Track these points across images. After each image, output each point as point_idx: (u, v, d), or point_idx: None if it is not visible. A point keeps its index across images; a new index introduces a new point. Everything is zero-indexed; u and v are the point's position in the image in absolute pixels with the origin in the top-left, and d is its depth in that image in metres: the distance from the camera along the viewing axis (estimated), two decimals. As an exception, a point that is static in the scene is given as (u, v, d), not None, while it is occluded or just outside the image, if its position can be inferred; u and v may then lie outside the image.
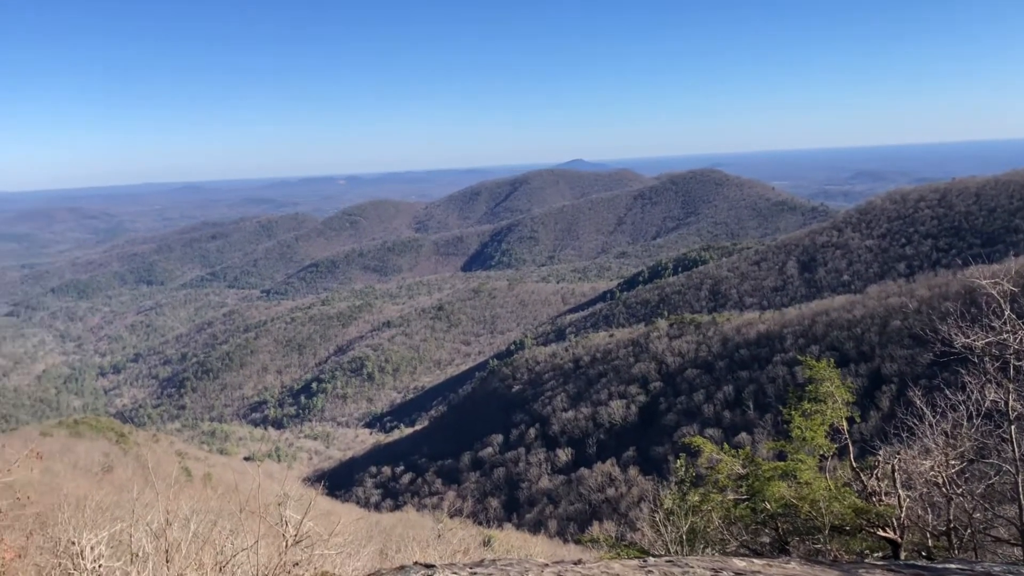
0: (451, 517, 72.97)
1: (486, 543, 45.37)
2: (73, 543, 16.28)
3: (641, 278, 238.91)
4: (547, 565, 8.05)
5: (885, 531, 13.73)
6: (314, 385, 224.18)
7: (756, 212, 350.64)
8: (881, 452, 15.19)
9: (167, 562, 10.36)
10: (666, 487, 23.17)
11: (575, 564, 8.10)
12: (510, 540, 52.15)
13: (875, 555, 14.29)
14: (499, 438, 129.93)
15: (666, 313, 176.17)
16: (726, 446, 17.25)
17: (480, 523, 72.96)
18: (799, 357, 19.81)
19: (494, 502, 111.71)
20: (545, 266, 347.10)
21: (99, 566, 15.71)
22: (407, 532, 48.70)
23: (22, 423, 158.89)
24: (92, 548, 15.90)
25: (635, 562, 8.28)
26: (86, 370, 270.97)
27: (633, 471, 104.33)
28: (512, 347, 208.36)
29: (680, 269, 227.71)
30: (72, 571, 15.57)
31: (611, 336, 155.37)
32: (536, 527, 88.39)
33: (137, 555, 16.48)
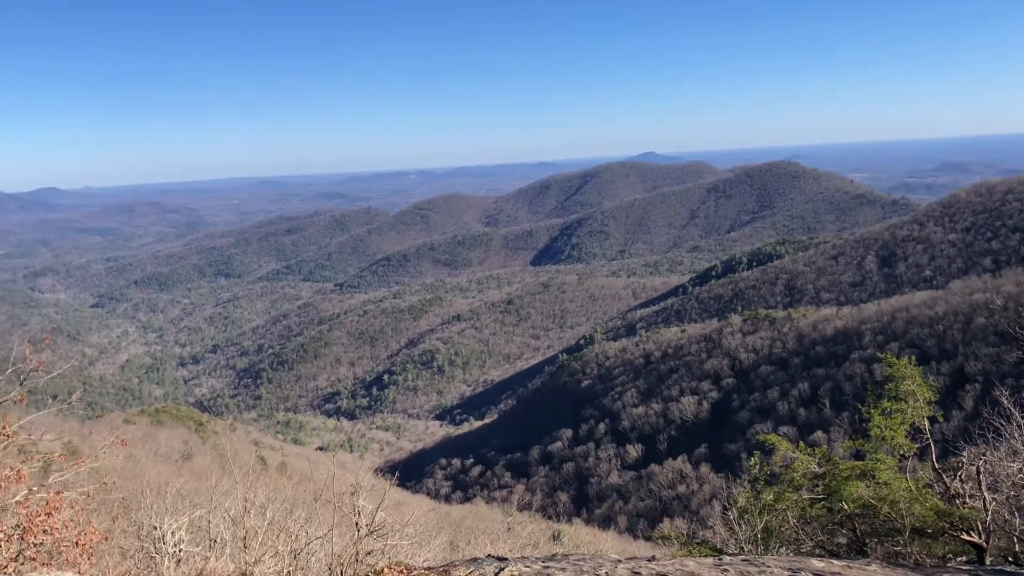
0: (520, 511, 72.99)
1: (555, 537, 45.28)
2: (155, 528, 16.78)
3: (714, 272, 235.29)
4: (620, 561, 7.89)
5: (969, 535, 13.20)
6: (385, 377, 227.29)
7: (834, 205, 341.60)
8: (965, 453, 14.64)
9: (244, 549, 10.52)
10: (739, 485, 22.74)
11: (648, 561, 7.92)
12: (579, 535, 51.95)
13: (958, 559, 13.76)
14: (568, 433, 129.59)
15: (739, 308, 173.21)
16: (802, 444, 16.87)
17: (549, 517, 73.03)
18: (878, 355, 19.22)
19: (563, 496, 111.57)
20: (615, 260, 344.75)
21: (179, 551, 16.15)
22: (476, 524, 48.98)
23: (107, 410, 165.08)
24: (173, 533, 16.36)
25: (710, 560, 8.06)
26: (167, 360, 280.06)
27: (705, 468, 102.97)
28: (581, 342, 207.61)
29: (754, 264, 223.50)
30: (154, 555, 16.04)
31: (683, 331, 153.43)
32: (605, 523, 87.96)
33: (215, 541, 16.91)
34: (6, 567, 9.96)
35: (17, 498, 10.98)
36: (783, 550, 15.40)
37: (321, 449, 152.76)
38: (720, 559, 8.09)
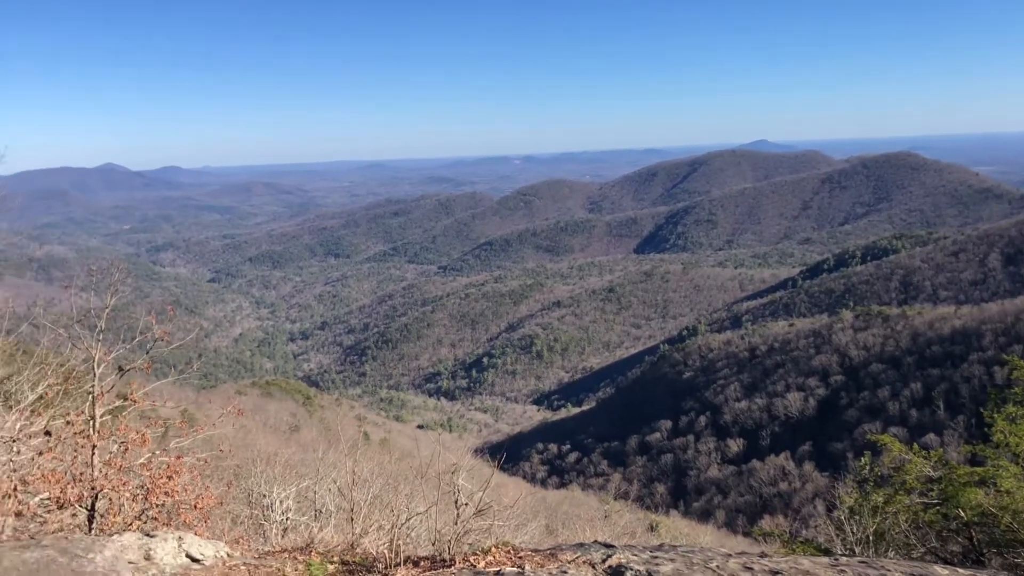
0: (616, 499, 72.74)
1: (652, 528, 44.90)
2: (264, 496, 17.44)
3: (826, 266, 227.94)
4: (731, 556, 7.71)
5: (1100, 551, 12.37)
6: (485, 360, 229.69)
7: (956, 199, 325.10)
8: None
9: (350, 521, 10.78)
10: (844, 485, 22.05)
11: (760, 557, 7.71)
12: (677, 527, 51.38)
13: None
14: (667, 424, 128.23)
15: (851, 304, 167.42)
16: (915, 446, 16.22)
17: (646, 507, 72.45)
18: (1004, 356, 18.12)
19: (660, 488, 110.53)
20: (722, 250, 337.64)
21: (287, 519, 16.75)
22: (572, 510, 49.04)
23: (220, 381, 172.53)
24: (281, 502, 16.97)
25: (825, 560, 7.79)
26: (278, 335, 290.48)
27: (808, 466, 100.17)
28: (684, 332, 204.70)
29: (869, 258, 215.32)
30: (263, 522, 16.68)
31: (791, 325, 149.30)
32: (703, 516, 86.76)
33: (321, 512, 17.44)
34: (130, 525, 10.50)
35: (141, 460, 11.56)
36: (892, 554, 14.83)
37: (421, 427, 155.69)
38: (836, 559, 7.80)
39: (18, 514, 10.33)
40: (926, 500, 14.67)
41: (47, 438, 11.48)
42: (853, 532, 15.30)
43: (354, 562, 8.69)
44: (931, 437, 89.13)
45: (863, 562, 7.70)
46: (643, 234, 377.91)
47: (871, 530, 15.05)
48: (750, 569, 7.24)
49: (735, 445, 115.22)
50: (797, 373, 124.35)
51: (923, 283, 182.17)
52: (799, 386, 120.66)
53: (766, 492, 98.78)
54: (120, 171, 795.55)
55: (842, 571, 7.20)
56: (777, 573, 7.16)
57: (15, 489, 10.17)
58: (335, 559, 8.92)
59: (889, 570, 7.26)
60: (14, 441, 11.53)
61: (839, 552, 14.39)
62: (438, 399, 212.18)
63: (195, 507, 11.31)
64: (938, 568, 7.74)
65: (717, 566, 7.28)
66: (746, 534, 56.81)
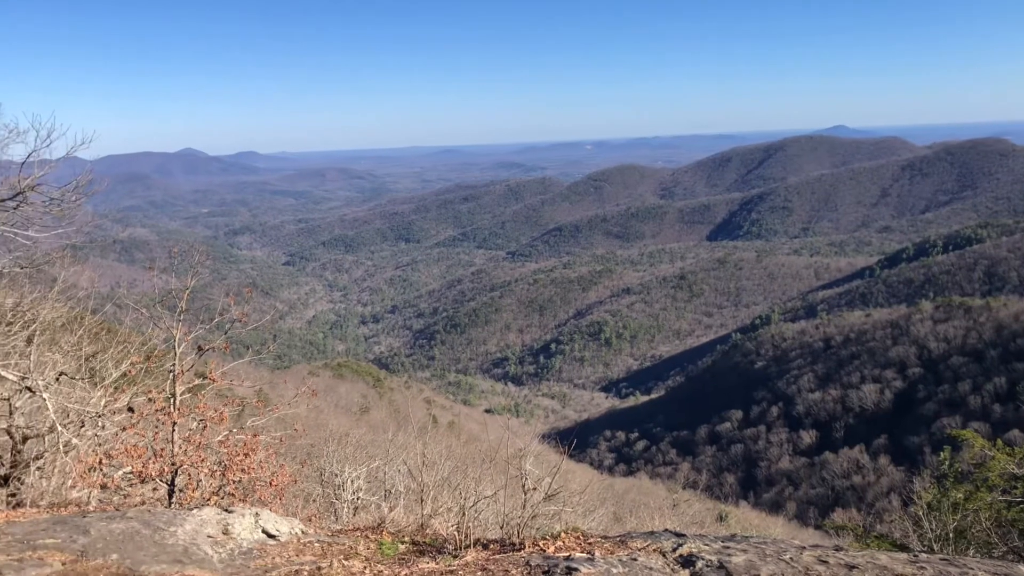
0: (684, 488, 72.12)
1: (721, 518, 44.41)
2: (336, 475, 17.76)
3: (905, 255, 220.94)
4: (805, 548, 7.53)
5: None
6: (553, 346, 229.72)
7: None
8: None
9: (420, 503, 10.90)
10: (921, 480, 21.41)
11: (835, 551, 7.51)
12: (747, 517, 50.72)
13: None
14: (738, 414, 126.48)
15: (931, 294, 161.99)
16: (999, 442, 15.66)
17: (716, 497, 71.72)
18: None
19: (730, 478, 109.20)
20: (798, 238, 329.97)
21: (358, 498, 17.03)
22: (640, 498, 48.80)
23: (294, 362, 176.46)
24: (352, 481, 17.26)
25: (903, 556, 7.55)
26: (349, 318, 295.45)
27: (883, 460, 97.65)
28: (757, 321, 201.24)
29: (951, 247, 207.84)
30: (335, 500, 16.99)
31: (867, 316, 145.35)
32: (773, 508, 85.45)
33: (390, 492, 17.68)
34: (208, 500, 10.80)
35: (219, 438, 11.87)
36: (972, 552, 14.36)
37: (488, 412, 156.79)
38: (915, 556, 7.55)
39: (103, 486, 10.72)
40: (1010, 498, 14.16)
41: (130, 414, 11.89)
42: (932, 529, 14.89)
43: (424, 542, 8.78)
44: (1015, 433, 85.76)
45: (944, 559, 7.43)
46: (716, 221, 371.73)
47: (951, 527, 14.62)
48: (825, 562, 7.07)
49: (807, 437, 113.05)
50: (873, 365, 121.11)
51: (1009, 273, 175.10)
52: (875, 378, 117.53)
53: (839, 485, 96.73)
54: (199, 156, 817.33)
55: (921, 568, 6.96)
56: (853, 568, 6.97)
57: (100, 462, 10.56)
58: (405, 539, 9.03)
59: (972, 568, 6.99)
60: (99, 416, 11.96)
61: (917, 549, 14.00)
62: (505, 384, 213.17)
63: (270, 484, 11.58)
64: (1025, 569, 7.42)
65: (791, 558, 7.13)
66: (817, 527, 55.73)
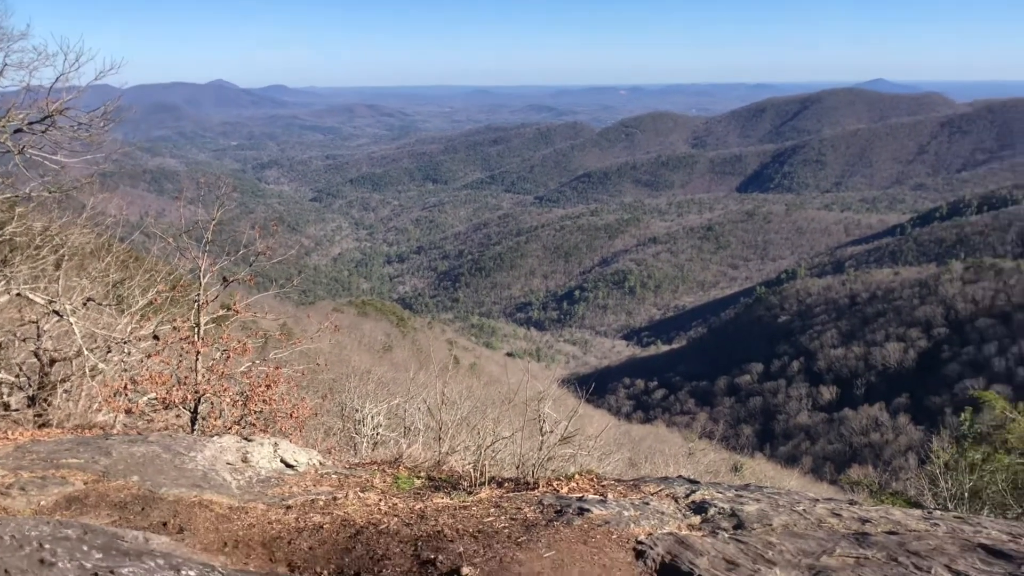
0: (701, 438, 72.55)
1: (736, 469, 44.68)
2: (357, 410, 17.99)
3: (938, 214, 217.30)
4: (818, 500, 7.55)
5: None
6: (576, 293, 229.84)
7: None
8: None
9: (438, 440, 11.02)
10: (940, 440, 21.45)
11: (849, 504, 7.53)
12: (762, 469, 50.98)
13: None
14: (759, 367, 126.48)
15: (962, 255, 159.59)
16: (1021, 405, 15.60)
17: (731, 448, 71.92)
18: None
19: (747, 430, 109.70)
20: (829, 192, 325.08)
21: (377, 434, 17.26)
22: (656, 446, 49.18)
23: (318, 298, 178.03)
24: (372, 417, 17.48)
25: (918, 512, 7.55)
26: (375, 256, 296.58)
27: (903, 419, 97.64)
28: (783, 276, 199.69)
29: (986, 208, 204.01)
30: (355, 435, 17.25)
31: (896, 274, 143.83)
32: (789, 461, 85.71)
33: (409, 429, 17.92)
34: (230, 428, 10.99)
35: (242, 369, 12.03)
36: (987, 512, 14.39)
37: (510, 355, 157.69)
38: (930, 513, 7.56)
39: (128, 411, 10.93)
40: (1028, 461, 14.16)
41: (155, 342, 12.07)
42: (947, 488, 14.94)
43: (440, 479, 8.89)
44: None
45: (958, 517, 7.42)
46: (747, 172, 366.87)
47: (967, 487, 14.65)
48: (838, 515, 7.08)
49: (828, 392, 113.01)
50: (899, 323, 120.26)
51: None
52: (899, 336, 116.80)
53: (857, 442, 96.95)
54: (229, 88, 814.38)
55: (935, 524, 6.96)
56: (866, 522, 6.98)
57: (125, 387, 10.75)
58: (422, 474, 9.15)
59: (985, 527, 6.97)
60: (125, 343, 12.14)
61: (931, 507, 14.04)
62: (528, 329, 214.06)
63: (291, 416, 11.75)
64: (1041, 530, 7.40)
65: (804, 510, 7.15)
66: (833, 482, 56.02)
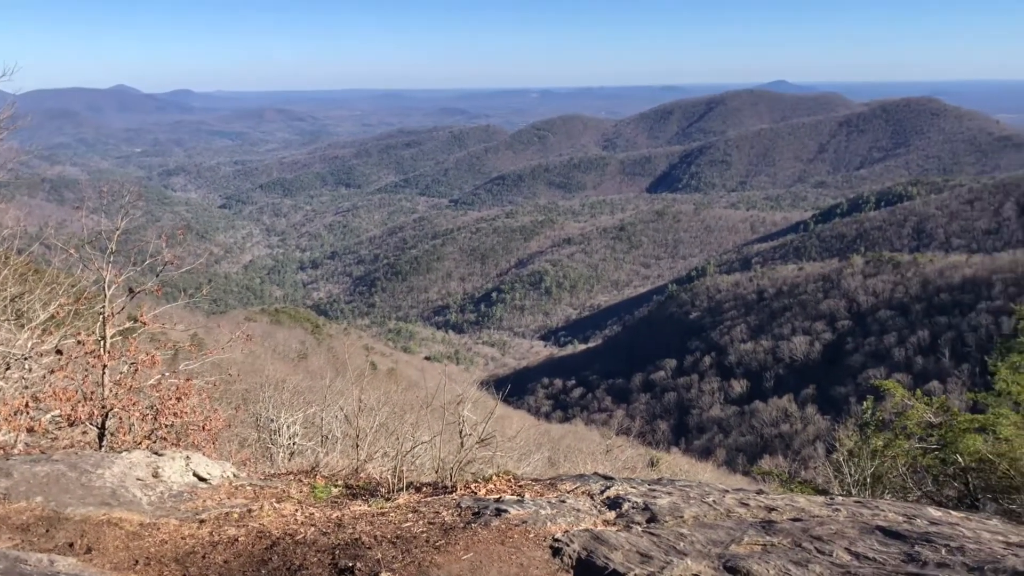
0: (618, 435, 73.60)
1: (653, 464, 45.52)
2: (272, 420, 17.71)
3: (839, 210, 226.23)
4: (728, 491, 7.84)
5: (1095, 500, 12.55)
6: (494, 295, 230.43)
7: (975, 147, 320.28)
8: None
9: (355, 448, 10.98)
10: (846, 428, 22.31)
11: (756, 494, 7.84)
12: (677, 463, 52.14)
13: (1083, 525, 13.10)
14: (672, 363, 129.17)
15: (863, 249, 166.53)
16: (919, 392, 16.33)
17: (648, 444, 73.21)
18: (1013, 306, 18.11)
19: (663, 425, 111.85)
20: (735, 192, 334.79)
21: (294, 443, 17.03)
22: (575, 444, 49.73)
23: (230, 307, 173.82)
24: (288, 427, 17.23)
25: (821, 499, 7.92)
26: (287, 263, 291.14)
27: (810, 409, 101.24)
28: (693, 273, 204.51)
29: (883, 204, 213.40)
30: (270, 446, 16.98)
31: (800, 269, 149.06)
32: (704, 454, 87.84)
33: (327, 438, 17.72)
34: (140, 444, 10.71)
35: (151, 381, 11.73)
36: (888, 497, 15.07)
37: (428, 359, 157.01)
38: (832, 499, 7.93)
39: (30, 430, 10.53)
40: (925, 445, 14.86)
41: (58, 356, 11.64)
42: (851, 474, 15.52)
43: (358, 486, 8.88)
44: (935, 384, 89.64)
45: (858, 502, 7.81)
46: (656, 173, 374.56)
47: (869, 473, 15.26)
48: (746, 505, 7.37)
49: (739, 386, 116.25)
50: (804, 317, 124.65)
51: (936, 231, 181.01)
52: (805, 330, 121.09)
53: (767, 433, 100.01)
54: (132, 93, 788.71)
55: (836, 509, 7.31)
56: (772, 509, 7.28)
57: (27, 405, 10.35)
58: (339, 482, 9.11)
59: (883, 510, 7.37)
60: (26, 359, 11.69)
61: (836, 493, 14.62)
62: (446, 332, 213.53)
63: (203, 429, 11.51)
64: (931, 510, 7.86)
65: (714, 500, 7.41)
66: (745, 473, 57.60)
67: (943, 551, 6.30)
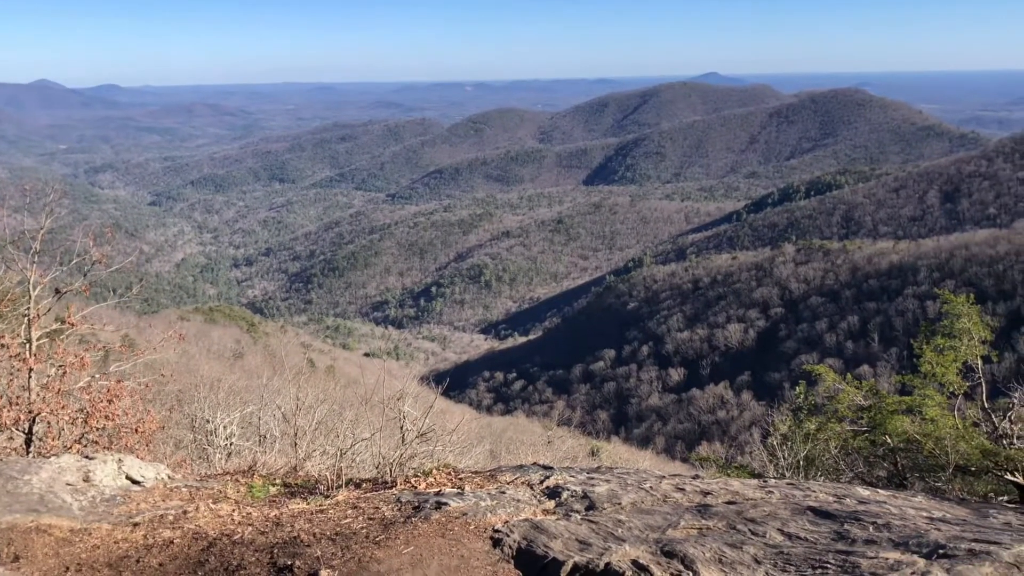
0: (559, 425, 74.20)
1: (593, 453, 46.03)
2: (208, 421, 17.42)
3: (770, 200, 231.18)
4: (664, 477, 8.00)
5: (1014, 475, 13.10)
6: (433, 289, 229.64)
7: (899, 136, 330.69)
8: (1016, 394, 14.42)
9: (294, 446, 10.88)
10: (780, 413, 22.82)
11: (692, 479, 8.01)
12: (617, 452, 52.76)
13: (1000, 499, 13.71)
14: (611, 353, 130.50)
15: (794, 238, 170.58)
16: (849, 376, 16.80)
17: (588, 434, 74.11)
18: (936, 291, 18.81)
19: (603, 415, 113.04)
20: (670, 183, 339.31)
21: (231, 444, 16.78)
22: (517, 436, 49.91)
23: (162, 306, 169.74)
24: (225, 427, 16.97)
25: (754, 482, 8.14)
26: (221, 261, 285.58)
27: (746, 395, 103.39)
28: (630, 264, 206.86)
29: (813, 193, 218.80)
30: (207, 447, 16.70)
31: (734, 258, 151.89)
32: (643, 442, 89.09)
33: (265, 437, 17.50)
34: (70, 448, 10.45)
35: (80, 384, 11.43)
36: (821, 478, 15.54)
37: (368, 355, 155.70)
38: (765, 482, 8.16)
39: (-48, 437, 10.20)
40: (856, 428, 15.34)
41: (-19, 361, 11.27)
42: (785, 458, 15.91)
43: (296, 485, 8.81)
44: (865, 368, 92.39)
45: (791, 484, 8.05)
46: (593, 165, 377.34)
47: (802, 456, 15.67)
48: (682, 490, 7.53)
49: (676, 374, 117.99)
50: (738, 305, 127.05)
51: (864, 218, 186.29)
52: (740, 318, 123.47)
53: (705, 420, 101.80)
54: (56, 88, 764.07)
55: (769, 492, 7.52)
56: (707, 493, 7.46)
57: (-52, 412, 10.02)
58: (277, 481, 9.02)
59: (814, 491, 7.60)
60: (-54, 364, 11.30)
61: (770, 476, 15.00)
62: (385, 328, 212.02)
63: (136, 431, 11.28)
64: (861, 489, 8.14)
65: (651, 487, 7.56)
66: (684, 460, 58.59)
67: (871, 528, 6.54)
